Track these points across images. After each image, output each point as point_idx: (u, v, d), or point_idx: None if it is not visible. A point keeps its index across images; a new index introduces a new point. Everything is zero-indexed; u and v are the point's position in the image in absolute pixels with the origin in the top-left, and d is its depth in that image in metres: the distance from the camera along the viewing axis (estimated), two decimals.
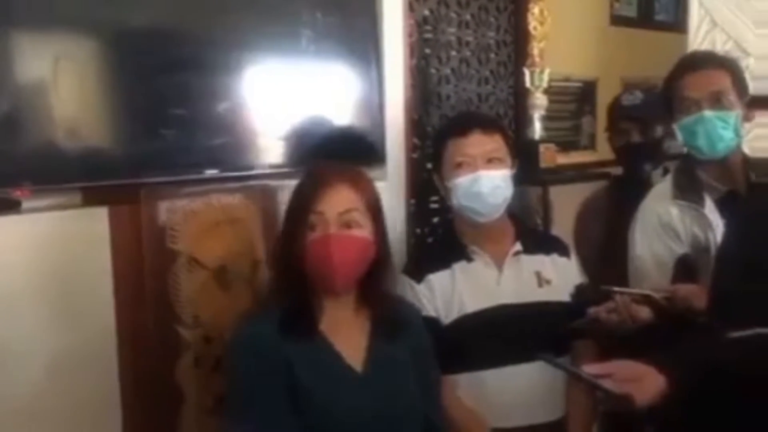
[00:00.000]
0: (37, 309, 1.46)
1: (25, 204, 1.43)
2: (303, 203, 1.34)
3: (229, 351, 1.42)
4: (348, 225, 1.33)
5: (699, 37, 2.66)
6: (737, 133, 1.71)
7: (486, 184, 1.65)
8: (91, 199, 1.52)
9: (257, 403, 1.30)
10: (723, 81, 1.71)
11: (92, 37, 1.50)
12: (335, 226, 1.32)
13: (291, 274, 1.35)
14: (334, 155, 1.67)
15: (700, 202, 1.74)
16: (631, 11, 3.14)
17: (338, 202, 1.33)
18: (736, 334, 1.23)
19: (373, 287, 1.41)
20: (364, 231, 1.35)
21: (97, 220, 1.52)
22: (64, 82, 1.45)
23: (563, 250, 1.80)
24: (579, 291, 1.73)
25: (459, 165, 1.67)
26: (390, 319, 1.42)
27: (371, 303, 1.41)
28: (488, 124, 1.73)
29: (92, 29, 1.50)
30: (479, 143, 1.67)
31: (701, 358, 1.24)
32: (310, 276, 1.34)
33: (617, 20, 3.05)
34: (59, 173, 1.47)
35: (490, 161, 1.67)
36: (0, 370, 1.41)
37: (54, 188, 1.48)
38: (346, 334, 1.38)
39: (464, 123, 1.74)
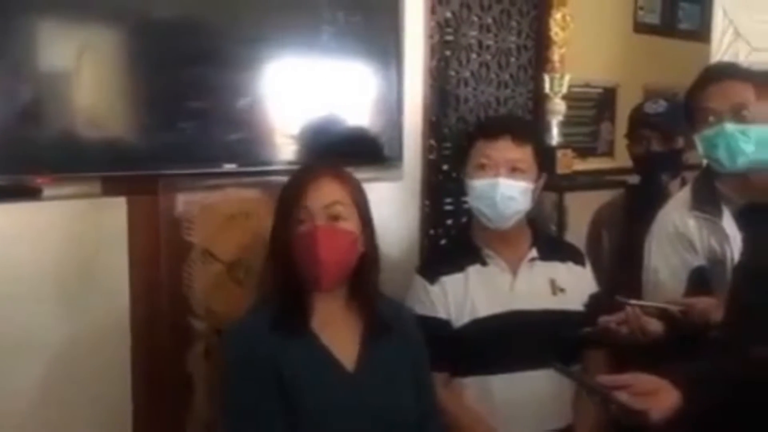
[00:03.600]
0: (53, 295, 1.48)
1: (46, 192, 1.45)
2: (290, 199, 1.36)
3: (221, 345, 1.43)
4: (334, 218, 1.35)
5: (722, 47, 2.64)
6: (759, 147, 1.68)
7: (503, 192, 1.64)
8: (111, 188, 1.54)
9: (245, 398, 1.30)
10: (746, 93, 1.69)
11: (116, 27, 1.52)
12: (321, 219, 1.34)
13: (281, 271, 1.36)
14: (350, 154, 1.68)
15: (717, 214, 1.72)
16: (655, 18, 3.12)
17: (324, 195, 1.35)
18: (754, 351, 1.21)
19: (362, 284, 1.41)
20: (350, 224, 1.37)
21: (116, 210, 1.54)
22: (87, 72, 1.47)
23: (579, 259, 1.80)
24: (593, 300, 1.72)
25: (481, 167, 1.66)
26: (381, 316, 1.42)
27: (361, 300, 1.42)
28: (520, 133, 1.69)
29: (116, 20, 1.52)
30: (506, 150, 1.65)
31: (718, 374, 1.22)
32: (299, 271, 1.35)
33: (640, 27, 3.03)
34: (80, 162, 1.49)
35: (514, 170, 1.65)
36: (16, 355, 1.43)
37: (74, 177, 1.50)
38: (338, 332, 1.39)
39: (496, 127, 1.72)
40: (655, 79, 2.87)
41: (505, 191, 1.63)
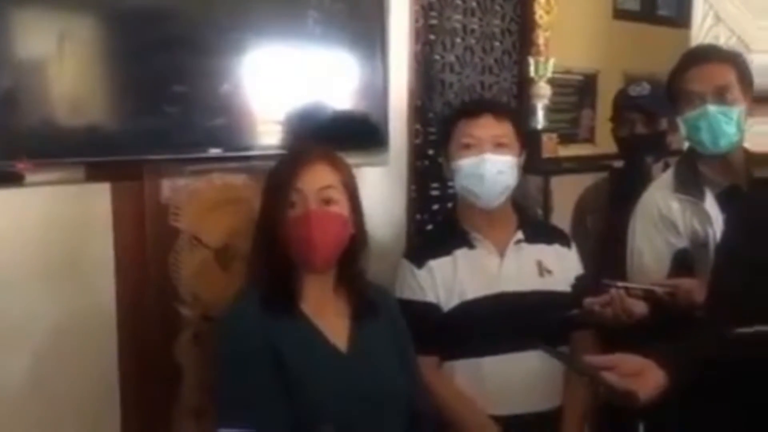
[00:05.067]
0: (37, 282, 1.46)
1: (28, 178, 1.43)
2: (282, 181, 1.36)
3: (216, 333, 1.42)
4: (326, 201, 1.36)
5: (702, 32, 2.65)
6: (740, 129, 1.71)
7: (490, 168, 1.65)
8: (94, 175, 1.52)
9: (247, 387, 1.30)
10: (728, 75, 1.71)
11: (96, 13, 1.50)
12: (314, 203, 1.34)
13: (271, 253, 1.36)
14: (336, 139, 1.67)
15: (700, 196, 1.74)
16: (635, 5, 3.13)
17: (316, 179, 1.36)
18: (736, 331, 1.23)
19: (350, 267, 1.43)
20: (341, 207, 1.38)
21: (100, 196, 1.52)
22: (68, 58, 1.44)
23: (564, 241, 1.81)
24: (580, 282, 1.74)
25: (466, 146, 1.67)
26: (368, 299, 1.44)
27: (349, 282, 1.43)
28: (500, 110, 1.73)
29: (98, 5, 1.49)
30: (489, 126, 1.67)
31: (701, 354, 1.23)
32: (291, 253, 1.36)
33: (620, 14, 3.04)
34: (62, 148, 1.47)
35: (498, 146, 1.67)
36: (0, 344, 1.41)
37: (57, 162, 1.48)
38: (328, 314, 1.40)
39: (476, 106, 1.75)
40: (635, 65, 2.88)
41: (492, 167, 1.65)
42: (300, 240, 1.34)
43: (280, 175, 1.38)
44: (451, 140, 1.72)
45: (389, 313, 1.49)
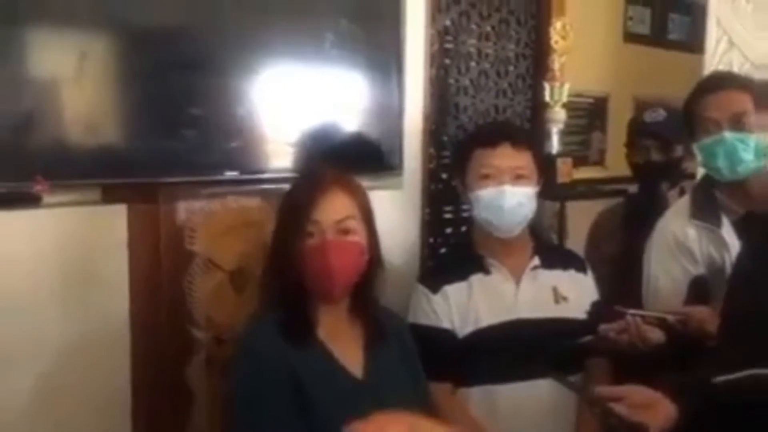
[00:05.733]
0: (53, 303, 1.46)
1: (46, 199, 1.43)
2: (298, 211, 1.33)
3: (235, 359, 1.40)
4: (345, 231, 1.34)
5: (716, 57, 2.65)
6: (759, 155, 1.69)
7: (510, 199, 1.63)
8: (111, 196, 1.53)
9: (266, 410, 1.29)
10: (744, 103, 1.70)
11: (115, 34, 1.51)
12: (332, 233, 1.32)
13: (286, 282, 1.34)
14: (351, 162, 1.67)
15: (717, 223, 1.73)
16: (645, 29, 3.14)
17: (335, 209, 1.33)
18: (722, 378, 1.21)
19: (365, 292, 1.41)
20: (358, 236, 1.36)
21: (116, 218, 1.53)
22: (86, 79, 1.45)
23: (580, 266, 1.80)
24: (595, 307, 1.72)
25: (485, 177, 1.65)
26: (381, 325, 1.42)
27: (363, 309, 1.41)
28: (519, 139, 1.69)
29: (115, 27, 1.51)
30: (508, 156, 1.65)
31: (712, 389, 1.22)
32: (307, 282, 1.34)
33: (631, 38, 3.05)
34: (79, 169, 1.47)
35: (518, 177, 1.65)
36: (15, 363, 1.41)
37: (74, 184, 1.48)
38: (343, 341, 1.39)
39: (494, 134, 1.71)
40: (646, 88, 2.89)
41: (511, 199, 1.63)
42: (317, 270, 1.32)
43: (296, 204, 1.35)
44: (468, 168, 1.70)
45: (399, 336, 1.48)
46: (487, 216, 1.67)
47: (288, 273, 1.34)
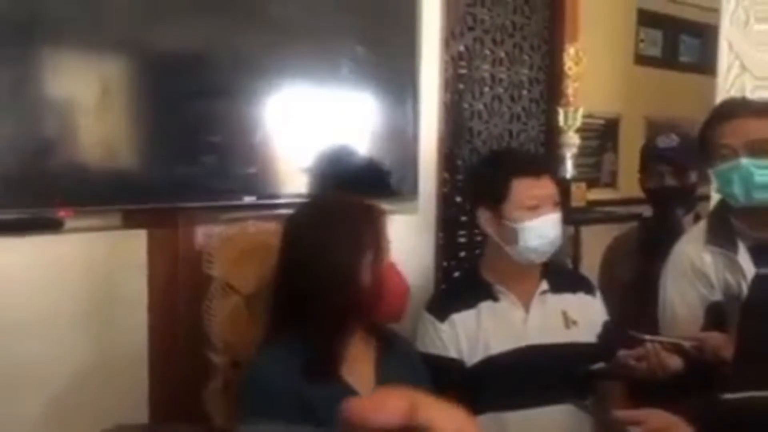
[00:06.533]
0: (72, 327, 1.48)
1: (67, 224, 1.46)
2: (363, 237, 1.36)
3: (244, 386, 1.39)
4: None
5: (728, 81, 2.65)
6: None
7: (556, 227, 1.67)
8: (131, 221, 1.55)
9: None
10: (761, 129, 1.70)
11: (135, 61, 1.54)
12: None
13: (325, 309, 1.32)
14: (367, 187, 1.69)
15: (733, 249, 1.72)
16: (656, 51, 3.16)
17: (388, 235, 1.41)
18: (734, 396, 1.21)
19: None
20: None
21: (136, 242, 1.55)
22: (107, 106, 1.48)
23: (588, 288, 1.79)
24: (606, 328, 1.72)
25: (533, 208, 1.64)
26: (390, 340, 1.44)
27: (377, 331, 1.43)
28: (551, 169, 1.79)
29: (136, 54, 1.54)
30: (548, 186, 1.68)
31: (729, 413, 1.22)
32: (364, 307, 1.34)
33: (642, 60, 3.07)
34: (101, 195, 1.50)
35: (555, 205, 1.68)
36: (35, 385, 1.43)
37: (95, 209, 1.51)
38: (358, 367, 1.39)
39: (536, 164, 1.75)
40: (657, 110, 2.90)
41: (556, 226, 1.67)
42: (395, 287, 1.40)
43: (358, 231, 1.36)
44: (507, 198, 1.65)
45: (410, 360, 1.49)
46: (537, 245, 1.65)
47: (337, 297, 1.32)
